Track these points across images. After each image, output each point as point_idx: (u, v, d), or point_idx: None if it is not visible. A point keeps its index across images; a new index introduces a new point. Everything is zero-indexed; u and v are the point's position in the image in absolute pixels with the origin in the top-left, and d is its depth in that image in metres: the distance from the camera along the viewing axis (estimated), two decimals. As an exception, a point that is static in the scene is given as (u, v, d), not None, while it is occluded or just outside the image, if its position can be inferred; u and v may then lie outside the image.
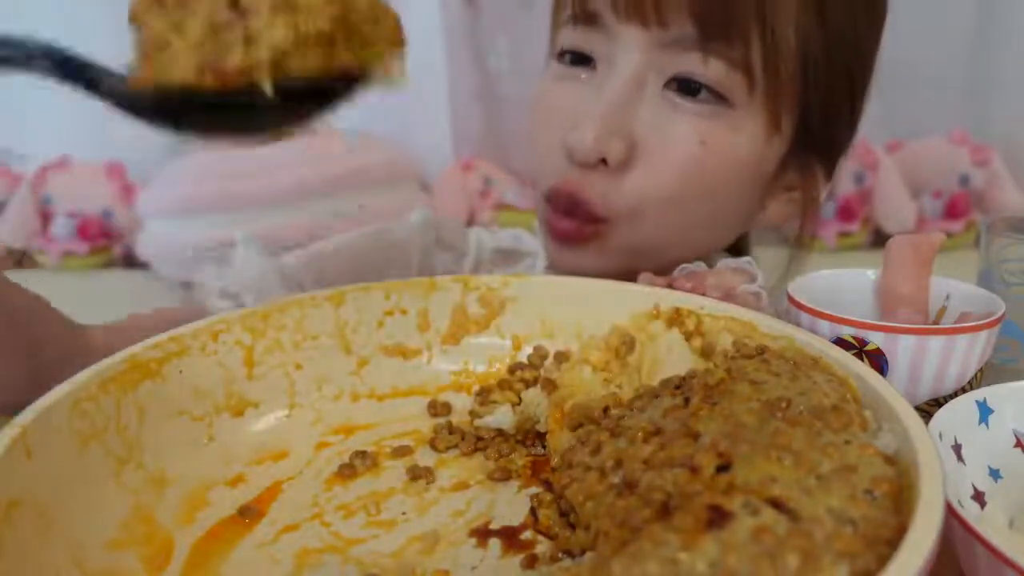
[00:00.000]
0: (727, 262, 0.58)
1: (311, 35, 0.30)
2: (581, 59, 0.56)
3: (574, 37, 0.56)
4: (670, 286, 0.47)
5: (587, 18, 0.54)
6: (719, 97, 0.53)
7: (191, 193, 1.48)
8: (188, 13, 0.30)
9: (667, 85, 0.53)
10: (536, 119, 0.59)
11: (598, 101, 0.54)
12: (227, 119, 0.30)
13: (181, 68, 0.29)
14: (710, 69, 0.52)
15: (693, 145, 0.53)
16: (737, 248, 0.67)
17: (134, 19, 0.32)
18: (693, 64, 0.52)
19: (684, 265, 0.58)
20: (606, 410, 0.40)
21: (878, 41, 0.59)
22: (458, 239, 0.74)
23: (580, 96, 0.55)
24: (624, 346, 0.44)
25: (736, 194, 0.57)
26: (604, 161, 0.54)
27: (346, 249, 0.69)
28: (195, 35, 0.29)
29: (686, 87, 0.53)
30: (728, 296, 0.47)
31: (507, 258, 0.73)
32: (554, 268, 0.61)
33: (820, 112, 0.56)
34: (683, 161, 0.53)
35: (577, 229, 0.56)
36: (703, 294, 0.46)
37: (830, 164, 0.60)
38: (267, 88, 0.29)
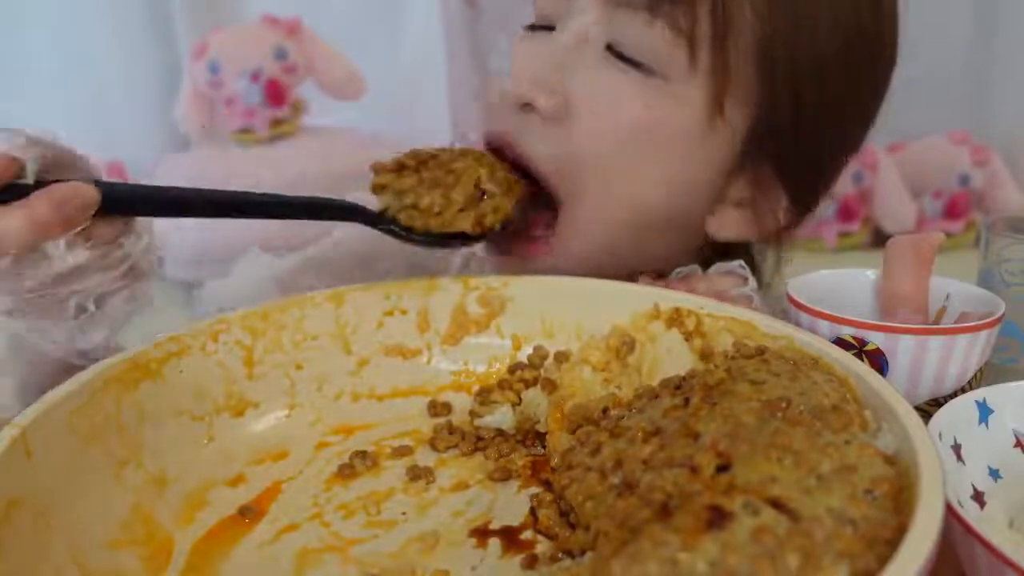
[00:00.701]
0: (719, 266, 0.58)
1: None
2: (546, 25, 0.56)
3: (540, 4, 0.56)
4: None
5: None
6: (653, 68, 0.51)
7: (190, 193, 1.48)
8: (452, 192, 0.48)
9: (609, 48, 0.52)
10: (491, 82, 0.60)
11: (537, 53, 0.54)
12: (455, 240, 0.49)
13: (464, 223, 0.48)
14: (654, 33, 0.50)
15: (636, 103, 0.51)
16: (730, 253, 0.66)
17: (377, 190, 0.49)
18: (638, 26, 0.50)
19: (679, 269, 0.58)
20: (605, 411, 0.40)
21: (878, 90, 0.56)
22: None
23: (528, 52, 0.55)
24: (624, 347, 0.44)
25: (675, 173, 0.54)
26: (536, 111, 0.52)
27: (339, 245, 0.70)
28: (461, 203, 0.48)
29: (622, 55, 0.51)
30: (720, 300, 0.47)
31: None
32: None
33: (785, 123, 0.53)
34: (627, 117, 0.52)
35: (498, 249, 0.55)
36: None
37: (797, 195, 0.56)
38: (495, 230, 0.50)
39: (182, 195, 0.43)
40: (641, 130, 0.52)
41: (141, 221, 0.44)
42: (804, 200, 0.57)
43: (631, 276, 0.52)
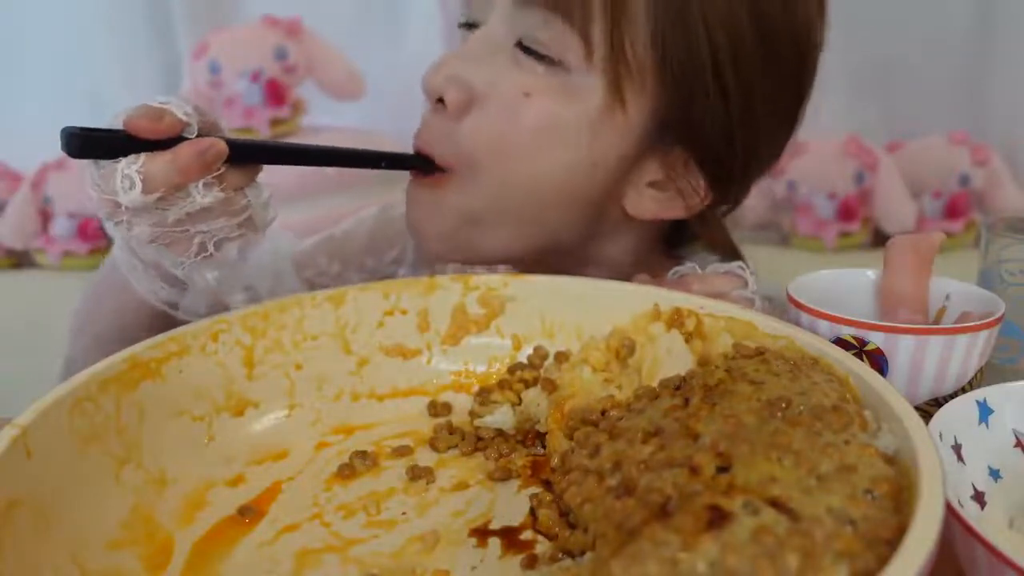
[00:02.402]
0: (717, 266, 0.58)
1: None
2: (472, 23, 0.59)
3: (467, 3, 0.59)
4: None
5: None
6: (555, 61, 0.53)
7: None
8: None
9: (516, 45, 0.55)
10: None
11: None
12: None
13: None
14: (548, 27, 0.53)
15: (517, 94, 0.54)
16: (715, 246, 0.67)
17: None
18: (536, 23, 0.53)
19: (676, 268, 0.58)
20: (603, 413, 0.40)
21: (791, 81, 0.58)
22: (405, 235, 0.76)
23: (452, 49, 0.58)
24: (624, 349, 0.44)
25: (567, 160, 0.55)
26: (442, 102, 0.55)
27: (354, 229, 0.77)
28: None
29: (527, 49, 0.54)
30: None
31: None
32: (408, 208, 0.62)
33: (686, 110, 0.54)
34: (505, 108, 0.54)
35: (415, 180, 0.58)
36: None
37: (715, 175, 0.57)
38: None
39: (290, 147, 0.57)
40: (542, 122, 0.54)
41: (263, 179, 0.51)
42: (725, 181, 0.58)
43: (549, 248, 0.57)
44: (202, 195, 0.45)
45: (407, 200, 0.60)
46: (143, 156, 0.43)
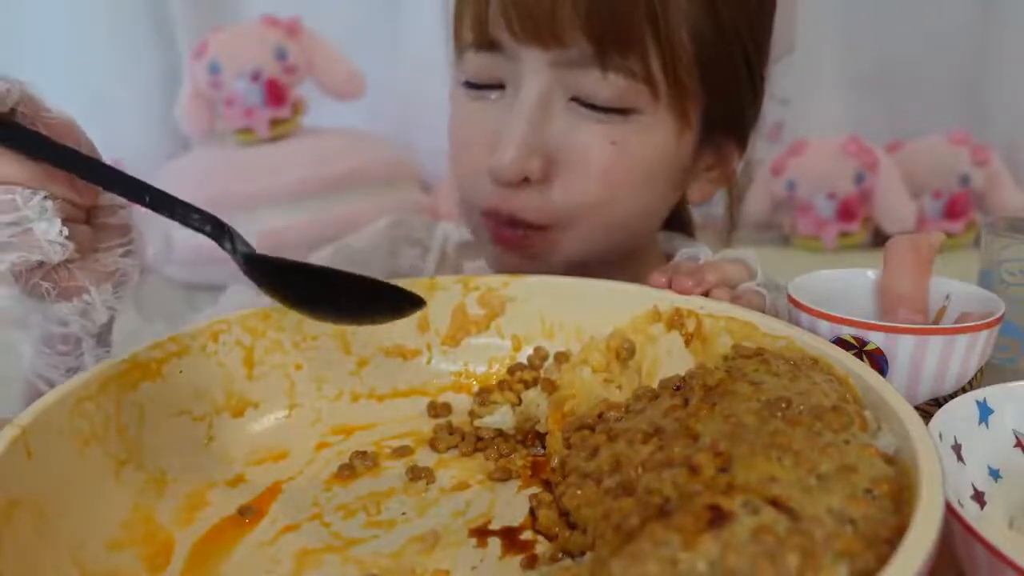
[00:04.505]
0: (724, 253, 0.58)
1: None
2: (489, 83, 0.58)
3: (479, 63, 0.57)
4: (670, 282, 0.47)
5: (489, 44, 0.55)
6: (625, 110, 0.55)
7: (191, 194, 1.47)
8: None
9: (572, 99, 0.55)
10: (455, 143, 0.61)
11: (507, 122, 0.55)
12: None
13: None
14: (609, 84, 0.53)
15: (605, 147, 0.55)
16: (677, 224, 0.72)
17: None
18: (593, 82, 0.53)
19: (685, 250, 0.60)
20: (601, 415, 0.40)
21: (771, 21, 0.61)
22: (425, 235, 0.78)
23: (494, 118, 0.57)
24: (624, 349, 0.44)
25: (660, 187, 0.59)
26: (527, 179, 0.55)
27: (373, 239, 0.77)
28: None
29: (591, 105, 0.55)
30: (732, 298, 0.47)
31: (472, 250, 0.75)
32: (501, 269, 0.63)
33: (724, 99, 0.58)
34: (600, 165, 0.55)
35: (524, 236, 0.58)
36: (707, 292, 0.46)
37: (741, 138, 0.62)
38: None
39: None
40: (635, 165, 0.56)
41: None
42: (747, 138, 0.63)
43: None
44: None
45: (499, 267, 0.60)
46: None
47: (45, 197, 0.38)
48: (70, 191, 0.40)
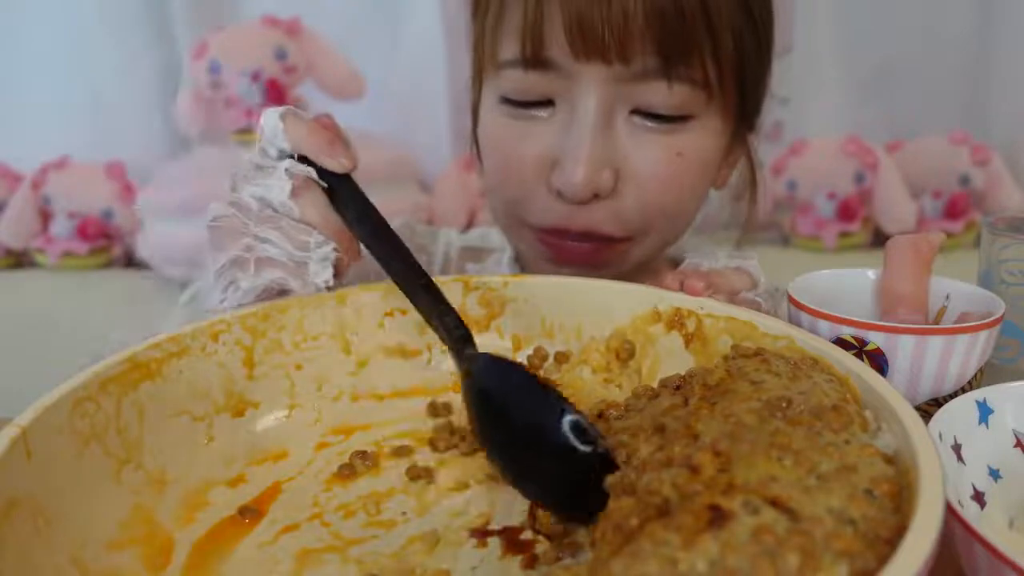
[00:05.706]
0: (729, 262, 0.58)
1: None
2: (536, 100, 0.57)
3: (527, 81, 0.56)
4: (682, 285, 0.47)
5: (540, 63, 0.55)
6: (688, 117, 0.56)
7: (191, 193, 1.48)
8: None
9: (633, 112, 0.55)
10: (502, 163, 0.60)
11: (570, 139, 0.55)
12: None
13: None
14: (675, 94, 0.54)
15: (672, 157, 0.56)
16: None
17: None
18: (656, 93, 0.54)
19: (689, 260, 0.60)
20: (600, 415, 0.40)
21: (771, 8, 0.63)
22: (428, 241, 0.78)
23: (549, 136, 0.57)
24: (624, 350, 0.44)
25: (708, 184, 0.62)
26: (596, 194, 0.56)
27: None
28: None
29: (654, 115, 0.55)
30: (730, 301, 0.47)
31: (474, 255, 0.76)
32: (521, 262, 0.66)
33: (753, 91, 0.60)
34: (668, 174, 0.57)
35: (595, 250, 0.59)
36: (712, 295, 0.46)
37: (754, 122, 0.64)
38: None
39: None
40: (701, 172, 0.59)
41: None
42: (754, 122, 0.64)
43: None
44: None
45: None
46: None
47: (335, 249, 0.46)
48: (348, 252, 0.47)
